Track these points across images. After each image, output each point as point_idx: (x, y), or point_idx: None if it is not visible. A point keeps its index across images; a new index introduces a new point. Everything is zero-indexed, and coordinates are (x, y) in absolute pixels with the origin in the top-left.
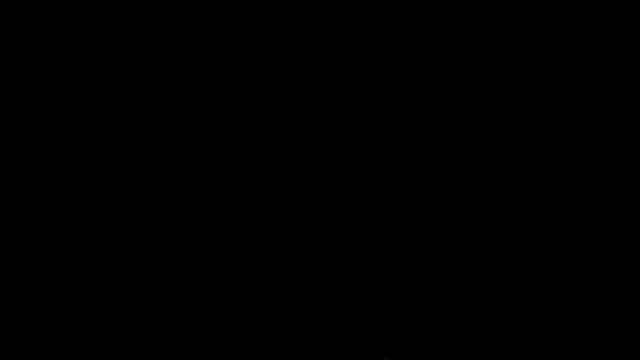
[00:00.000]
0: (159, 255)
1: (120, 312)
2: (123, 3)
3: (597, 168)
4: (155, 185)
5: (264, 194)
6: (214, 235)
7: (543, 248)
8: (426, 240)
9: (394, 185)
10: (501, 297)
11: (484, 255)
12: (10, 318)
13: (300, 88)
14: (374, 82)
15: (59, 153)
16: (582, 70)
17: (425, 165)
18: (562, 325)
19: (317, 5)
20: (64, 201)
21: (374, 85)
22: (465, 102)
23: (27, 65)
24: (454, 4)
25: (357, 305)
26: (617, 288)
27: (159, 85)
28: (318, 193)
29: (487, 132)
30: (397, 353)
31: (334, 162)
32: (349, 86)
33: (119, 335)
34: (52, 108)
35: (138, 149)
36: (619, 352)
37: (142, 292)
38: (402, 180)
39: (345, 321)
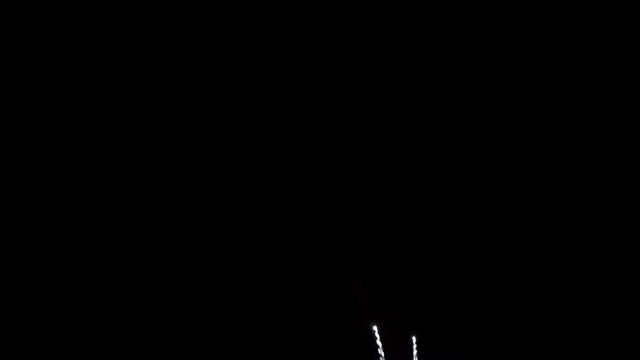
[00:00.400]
0: (156, 255)
1: (119, 312)
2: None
3: (596, 169)
4: (153, 185)
5: (261, 194)
6: (212, 235)
7: (543, 248)
8: (424, 240)
9: (392, 184)
10: (499, 296)
11: (483, 255)
12: (9, 318)
13: (298, 88)
14: (372, 82)
15: (57, 154)
16: (581, 70)
17: (424, 165)
18: (561, 326)
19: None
20: (63, 202)
21: (372, 86)
22: (464, 102)
23: (26, 65)
24: (454, 5)
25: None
26: (616, 288)
27: (154, 86)
28: (315, 193)
29: (486, 132)
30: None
31: (333, 162)
32: (346, 87)
33: (118, 335)
34: (50, 109)
35: (136, 149)
36: (618, 352)
37: (140, 292)
38: (401, 180)
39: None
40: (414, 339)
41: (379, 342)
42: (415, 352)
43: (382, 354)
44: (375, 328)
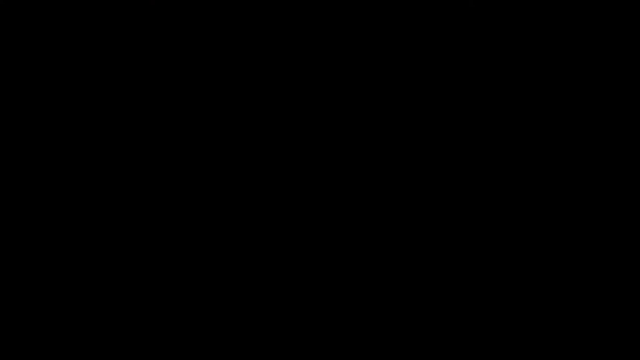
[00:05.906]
0: (153, 255)
1: (116, 312)
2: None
3: (593, 169)
4: (149, 184)
5: (256, 193)
6: (207, 235)
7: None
8: (420, 239)
9: (387, 185)
10: (496, 296)
11: (479, 256)
12: (9, 318)
13: (294, 87)
14: (367, 81)
15: (51, 153)
16: (579, 69)
17: (419, 165)
18: (559, 326)
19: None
20: (57, 201)
21: (366, 85)
22: (461, 102)
23: (21, 63)
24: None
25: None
26: (615, 290)
27: (148, 82)
28: (313, 193)
29: (482, 132)
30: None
31: (331, 162)
32: (343, 86)
33: (116, 335)
34: (45, 107)
35: (131, 148)
36: (618, 352)
37: (136, 292)
38: (395, 181)
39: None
40: None
41: None
42: None
43: None
44: None
